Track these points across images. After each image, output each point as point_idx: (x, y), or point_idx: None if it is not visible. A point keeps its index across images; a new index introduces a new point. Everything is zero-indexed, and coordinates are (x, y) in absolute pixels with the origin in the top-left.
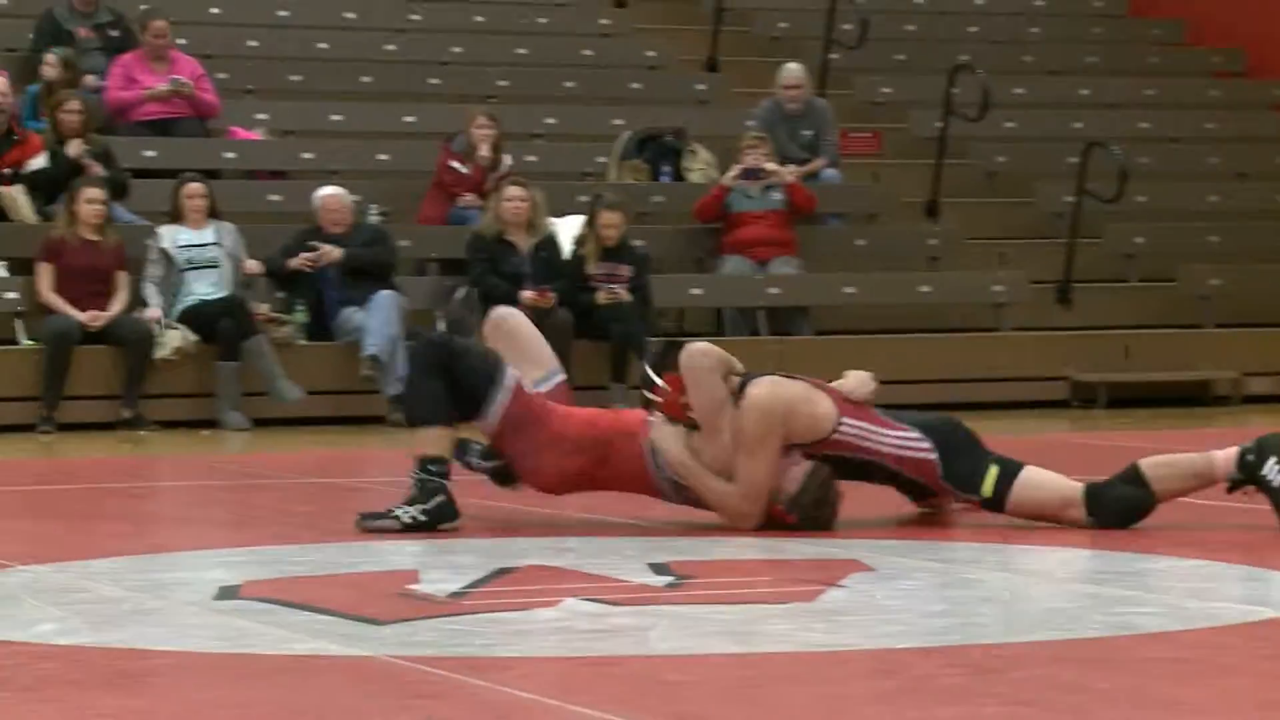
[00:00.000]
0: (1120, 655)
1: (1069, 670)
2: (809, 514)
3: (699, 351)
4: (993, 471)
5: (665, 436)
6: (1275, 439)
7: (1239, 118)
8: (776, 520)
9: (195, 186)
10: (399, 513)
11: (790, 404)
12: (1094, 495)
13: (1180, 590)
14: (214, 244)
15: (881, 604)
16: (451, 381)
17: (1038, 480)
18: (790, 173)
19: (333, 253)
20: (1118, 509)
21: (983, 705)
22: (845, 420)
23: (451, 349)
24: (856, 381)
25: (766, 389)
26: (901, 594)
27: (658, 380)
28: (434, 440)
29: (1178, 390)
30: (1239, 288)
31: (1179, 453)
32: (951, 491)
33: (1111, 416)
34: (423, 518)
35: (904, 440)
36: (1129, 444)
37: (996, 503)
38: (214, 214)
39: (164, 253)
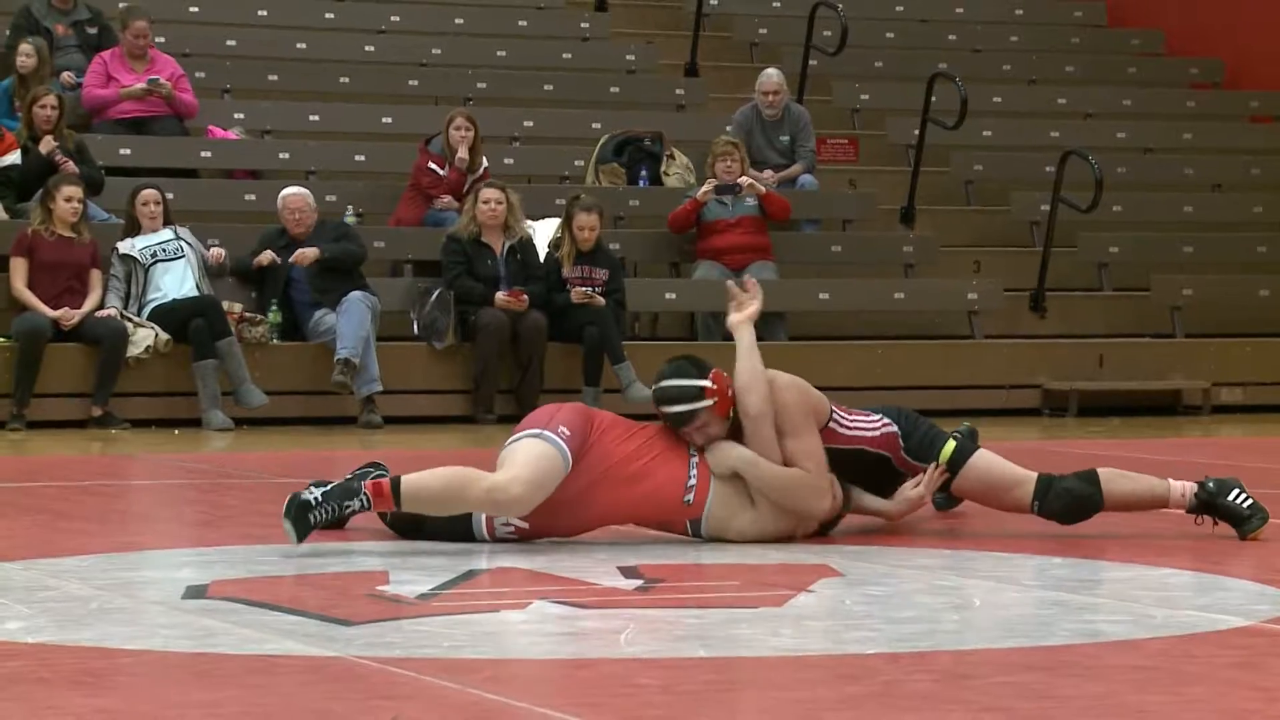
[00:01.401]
0: (1087, 662)
1: (1036, 677)
2: (826, 525)
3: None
4: (950, 445)
5: (720, 460)
6: (1233, 480)
7: (1216, 129)
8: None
9: (150, 193)
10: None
11: (808, 386)
12: (1043, 484)
13: (1147, 599)
14: (174, 239)
15: (850, 610)
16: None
17: (990, 459)
18: (766, 180)
19: (308, 254)
20: (1065, 499)
21: (950, 711)
22: (835, 411)
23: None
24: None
25: (791, 378)
26: (870, 600)
27: (708, 382)
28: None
29: (1149, 399)
30: (1211, 298)
31: (1142, 473)
32: (910, 464)
33: (1083, 425)
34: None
35: (871, 423)
36: (1099, 452)
37: (950, 473)
38: (169, 221)
39: (126, 258)
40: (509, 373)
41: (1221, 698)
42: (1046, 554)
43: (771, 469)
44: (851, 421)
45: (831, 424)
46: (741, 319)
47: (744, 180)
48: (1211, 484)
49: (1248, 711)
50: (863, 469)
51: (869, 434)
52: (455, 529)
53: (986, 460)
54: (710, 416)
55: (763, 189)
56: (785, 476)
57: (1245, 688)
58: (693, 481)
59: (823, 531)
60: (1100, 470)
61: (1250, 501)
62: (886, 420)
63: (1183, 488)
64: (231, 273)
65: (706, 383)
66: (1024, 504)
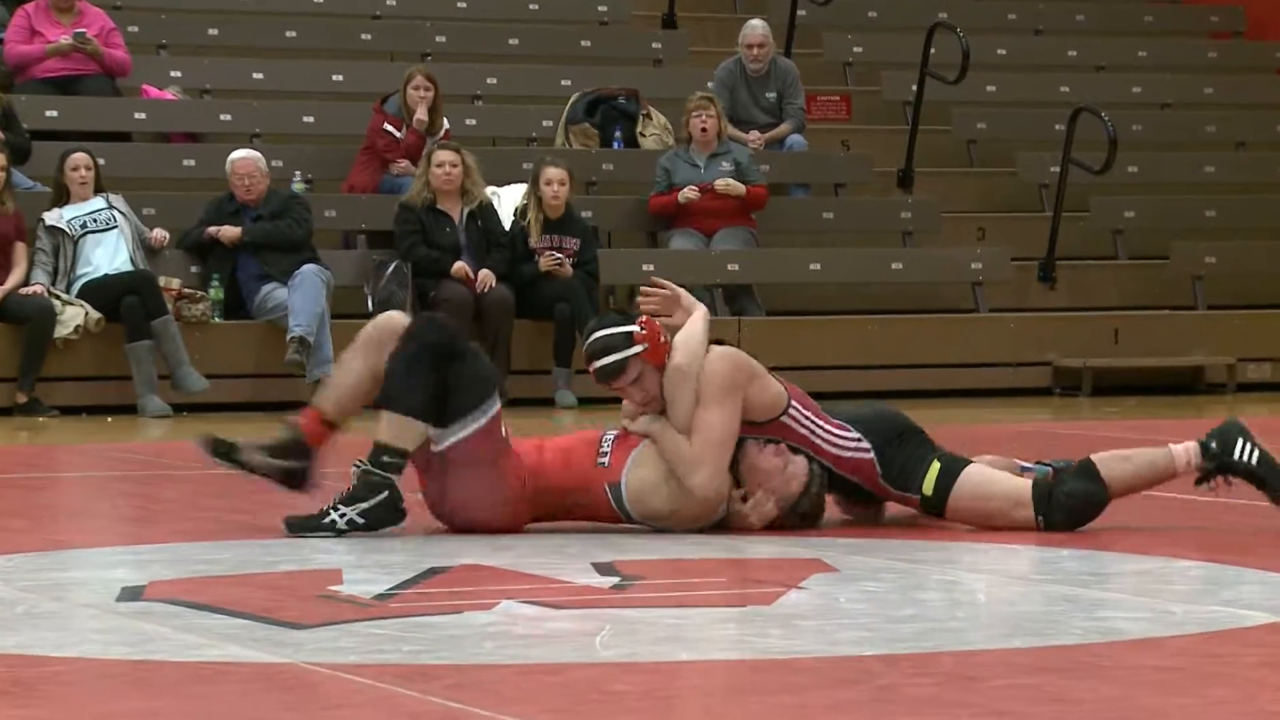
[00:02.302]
0: (1101, 663)
1: (1047, 679)
2: (806, 517)
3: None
4: (935, 467)
5: (641, 474)
6: (1233, 422)
7: (1238, 82)
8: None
9: (79, 157)
10: (334, 516)
11: (754, 369)
12: (1042, 493)
13: (1165, 593)
14: (106, 208)
15: (844, 608)
16: (439, 379)
17: (982, 478)
18: (752, 141)
19: (228, 234)
20: (1069, 506)
21: (953, 717)
22: (794, 404)
23: (457, 348)
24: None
25: (732, 349)
26: (866, 597)
27: (636, 327)
28: (402, 431)
29: (1168, 377)
30: (1236, 266)
31: (1138, 447)
32: (890, 493)
33: (1096, 405)
34: (360, 520)
35: (843, 439)
36: (1114, 434)
37: (938, 502)
38: (100, 189)
39: (54, 229)
40: None
41: (1247, 700)
42: (1055, 546)
43: (668, 433)
44: (821, 429)
45: (787, 419)
46: (687, 308)
47: (720, 184)
48: (1214, 444)
49: (1275, 714)
50: (833, 479)
51: (836, 452)
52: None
53: (974, 481)
54: (644, 366)
55: (742, 189)
56: (672, 441)
57: (1273, 688)
58: (608, 445)
59: (808, 522)
60: (1095, 458)
61: (1259, 454)
62: (865, 444)
63: (1187, 453)
64: (178, 246)
65: (634, 327)
66: (1028, 523)
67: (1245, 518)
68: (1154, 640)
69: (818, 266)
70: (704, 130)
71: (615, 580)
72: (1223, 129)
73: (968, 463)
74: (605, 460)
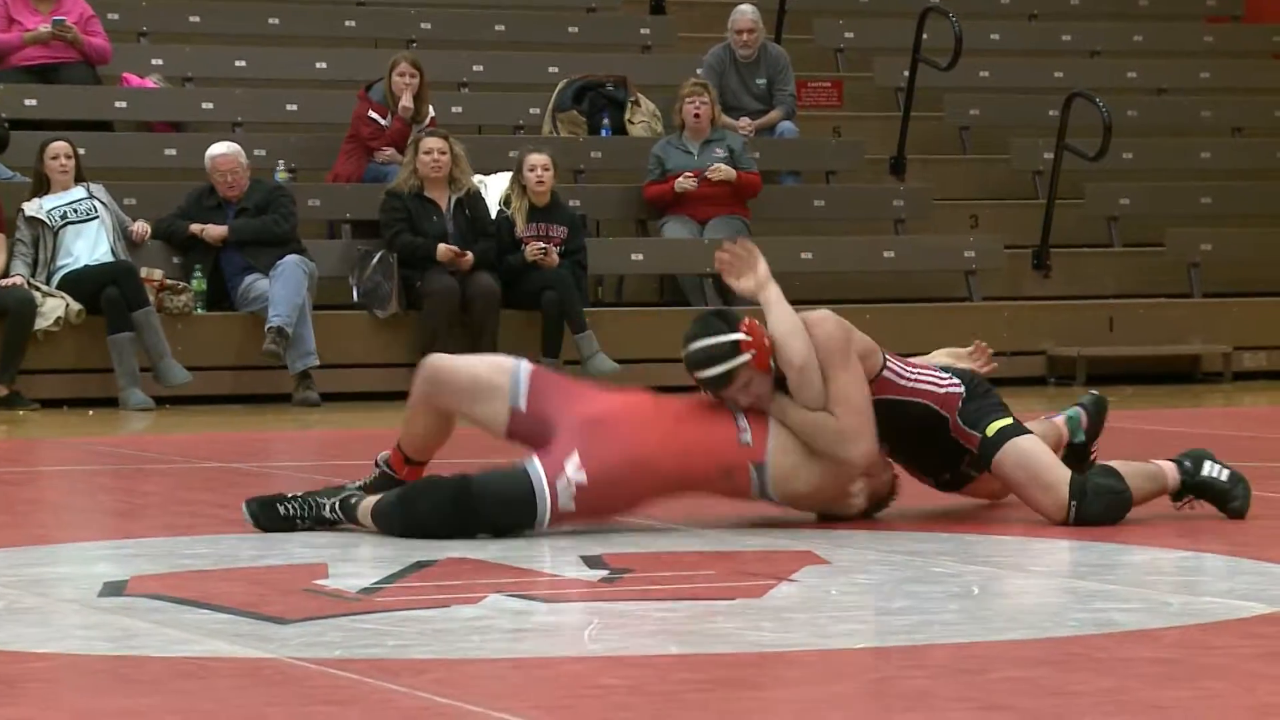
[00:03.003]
0: (1098, 655)
1: (1043, 672)
2: (881, 502)
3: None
4: (1005, 420)
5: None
6: (1200, 450)
7: (1235, 67)
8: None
9: (59, 145)
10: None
11: (848, 323)
12: (1079, 484)
13: (1163, 584)
14: (87, 198)
15: (836, 600)
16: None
17: (1037, 451)
18: (742, 129)
19: (214, 233)
20: (1104, 495)
21: (948, 711)
22: (887, 355)
23: (472, 494)
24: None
25: (823, 311)
26: (859, 589)
27: (743, 334)
28: None
29: (1164, 365)
30: (1233, 254)
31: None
32: (960, 429)
33: None
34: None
35: (939, 378)
36: (1111, 424)
37: (992, 446)
38: (81, 178)
39: (33, 220)
40: (459, 343)
41: (1245, 692)
42: (1052, 537)
43: (799, 411)
44: (914, 374)
45: (887, 373)
46: (760, 282)
47: (712, 172)
48: (1188, 462)
49: (1274, 706)
50: (911, 427)
51: (935, 389)
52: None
53: (1030, 446)
54: (751, 373)
55: (733, 174)
56: (810, 418)
57: (1271, 680)
58: (745, 423)
59: (869, 514)
60: (1110, 463)
61: (1228, 472)
62: (956, 381)
63: (1172, 470)
64: (157, 237)
65: (740, 335)
66: (1059, 507)
67: (1190, 511)
68: (1150, 632)
69: (809, 255)
70: (697, 116)
71: (604, 573)
72: (1219, 115)
73: (1030, 433)
74: (747, 438)
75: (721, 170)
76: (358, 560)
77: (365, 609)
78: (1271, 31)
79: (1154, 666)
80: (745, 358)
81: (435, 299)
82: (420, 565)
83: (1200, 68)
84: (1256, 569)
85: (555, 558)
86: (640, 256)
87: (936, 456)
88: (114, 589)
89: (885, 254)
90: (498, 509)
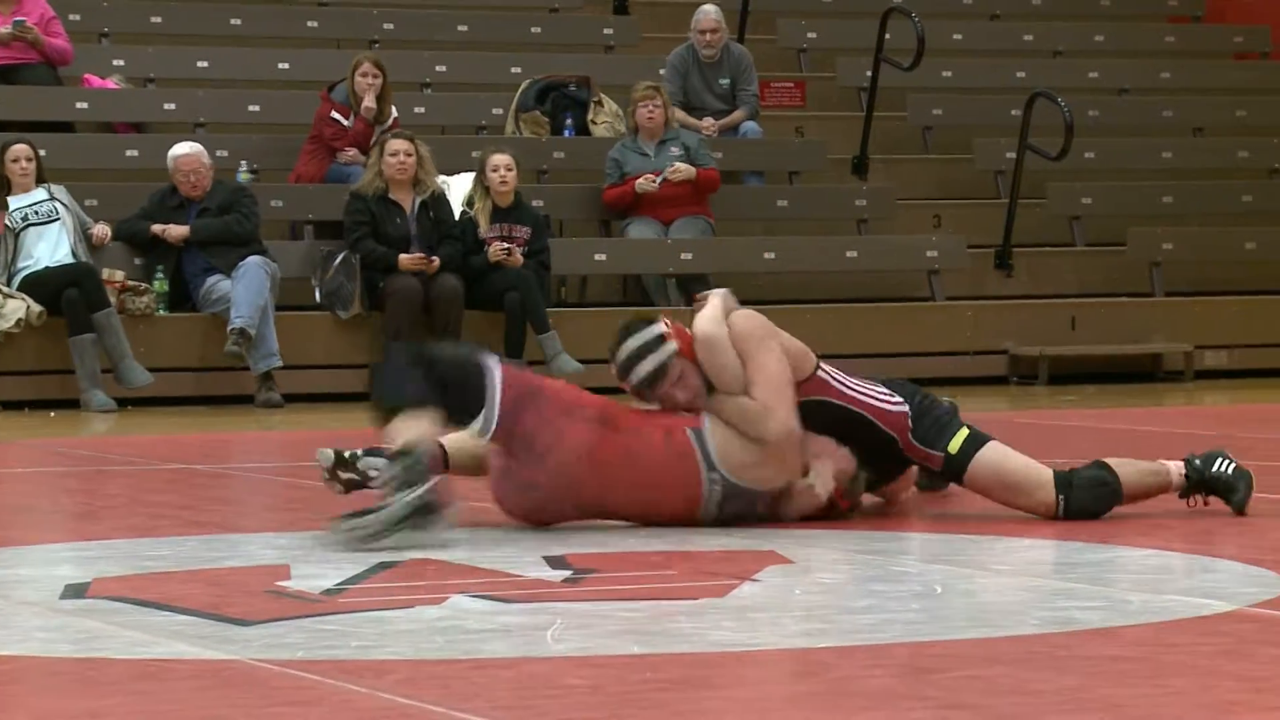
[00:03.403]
0: (1059, 653)
1: (1004, 670)
2: (857, 496)
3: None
4: (964, 432)
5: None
6: (1216, 450)
7: (1197, 67)
8: (834, 508)
9: (19, 149)
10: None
11: (774, 326)
12: (1063, 477)
13: (1125, 583)
14: (48, 199)
15: (799, 600)
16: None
17: (1005, 454)
18: (705, 129)
19: (175, 233)
20: (1092, 488)
21: (910, 709)
22: (822, 363)
23: (426, 353)
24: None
25: (748, 309)
26: (822, 589)
27: (663, 326)
28: (414, 427)
29: (1126, 364)
30: (1194, 253)
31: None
32: (916, 449)
33: (1054, 393)
34: (430, 497)
35: (880, 394)
36: (1073, 423)
37: (959, 463)
38: (42, 180)
39: None
40: None
41: (1205, 690)
42: (1014, 536)
43: (724, 399)
44: (854, 384)
45: (821, 374)
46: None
47: (671, 173)
48: (1198, 460)
49: (1233, 704)
50: (866, 441)
51: (876, 404)
52: None
53: (1000, 453)
54: (682, 363)
55: (692, 172)
56: (732, 402)
57: (1230, 678)
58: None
59: (840, 514)
60: (1105, 459)
61: (1234, 466)
62: (898, 399)
63: (1177, 469)
64: (119, 237)
65: (661, 328)
66: (1047, 504)
67: (1201, 508)
68: (1111, 630)
69: (772, 255)
70: (650, 118)
71: (567, 573)
72: (1180, 114)
73: (991, 439)
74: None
75: (681, 170)
76: (320, 561)
77: (328, 610)
78: (1232, 32)
79: (1115, 664)
80: (672, 345)
81: (398, 300)
82: (383, 566)
83: (1161, 68)
84: (1219, 566)
85: (519, 558)
86: (603, 257)
87: (891, 466)
88: (76, 591)
89: (848, 254)
90: (452, 370)
